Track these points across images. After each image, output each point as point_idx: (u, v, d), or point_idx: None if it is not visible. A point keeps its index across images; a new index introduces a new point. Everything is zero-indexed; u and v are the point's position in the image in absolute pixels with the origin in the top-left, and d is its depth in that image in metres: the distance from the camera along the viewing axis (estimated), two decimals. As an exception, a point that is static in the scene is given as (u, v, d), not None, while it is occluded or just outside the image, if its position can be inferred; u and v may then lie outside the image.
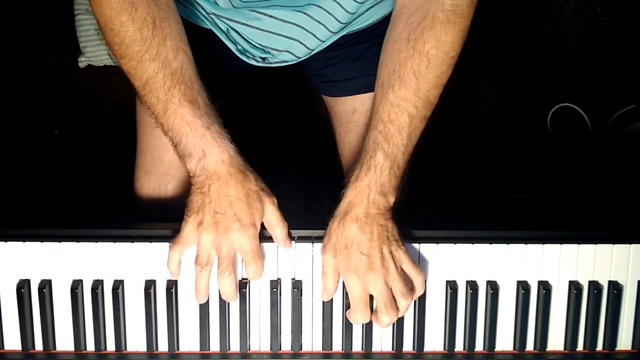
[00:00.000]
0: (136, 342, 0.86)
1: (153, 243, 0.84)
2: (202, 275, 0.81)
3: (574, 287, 0.86)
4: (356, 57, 1.02)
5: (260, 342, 0.86)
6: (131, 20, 0.78)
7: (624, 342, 0.88)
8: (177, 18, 0.83)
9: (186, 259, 0.83)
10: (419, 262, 0.85)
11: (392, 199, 0.83)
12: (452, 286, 0.85)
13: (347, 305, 0.84)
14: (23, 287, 0.84)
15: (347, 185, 0.83)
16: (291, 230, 0.85)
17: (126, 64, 0.81)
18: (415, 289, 0.83)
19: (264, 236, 0.84)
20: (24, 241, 0.84)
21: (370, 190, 0.81)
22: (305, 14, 0.90)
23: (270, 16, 0.90)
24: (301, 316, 0.85)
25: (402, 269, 0.82)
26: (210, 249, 0.80)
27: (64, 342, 0.86)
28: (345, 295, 0.84)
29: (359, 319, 0.83)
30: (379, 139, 0.82)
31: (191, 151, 0.80)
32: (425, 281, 0.85)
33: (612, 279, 0.86)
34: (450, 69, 0.83)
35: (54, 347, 0.86)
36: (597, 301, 0.86)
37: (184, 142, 0.81)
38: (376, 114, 0.84)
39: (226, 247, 0.80)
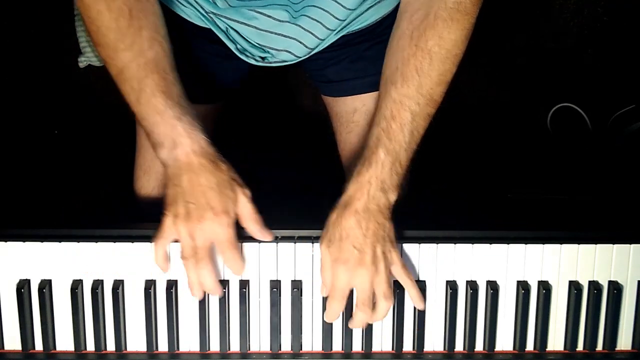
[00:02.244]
0: (136, 342, 0.86)
1: (153, 243, 0.84)
2: (190, 269, 0.81)
3: (574, 287, 0.86)
4: (356, 57, 1.02)
5: (260, 342, 0.86)
6: (108, 9, 0.79)
7: (624, 342, 0.88)
8: (156, 10, 0.83)
9: (177, 257, 0.83)
10: (419, 262, 0.85)
11: (392, 197, 0.83)
12: (452, 286, 0.85)
13: (347, 306, 0.84)
14: (23, 287, 0.84)
15: (349, 180, 0.83)
16: (291, 230, 0.85)
17: (102, 51, 0.82)
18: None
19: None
20: (24, 241, 0.84)
21: (370, 185, 0.81)
22: (303, 15, 0.90)
23: (268, 16, 0.90)
24: (301, 316, 0.85)
25: (391, 272, 0.83)
26: (188, 242, 0.80)
27: (64, 342, 0.86)
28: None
29: (334, 307, 0.82)
30: (381, 135, 0.83)
31: (162, 141, 0.81)
32: (424, 281, 0.86)
33: (612, 279, 0.86)
34: (454, 67, 0.83)
35: (54, 347, 0.86)
36: (597, 301, 0.86)
37: (155, 131, 0.81)
38: (379, 110, 0.84)
39: (201, 237, 0.80)
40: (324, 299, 0.84)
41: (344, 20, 0.93)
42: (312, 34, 0.93)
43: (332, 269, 0.82)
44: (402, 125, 0.82)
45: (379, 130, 0.83)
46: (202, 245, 0.80)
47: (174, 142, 0.80)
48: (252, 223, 0.83)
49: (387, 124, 0.83)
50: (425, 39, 0.82)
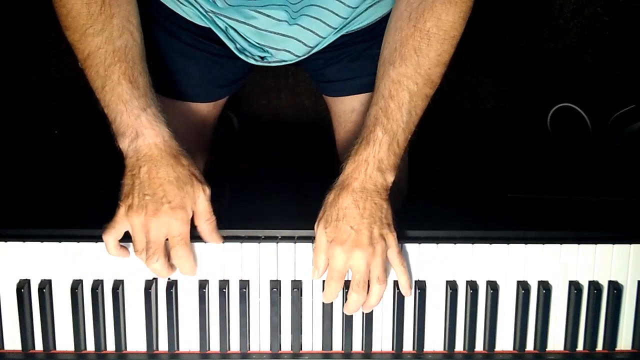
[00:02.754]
0: (136, 342, 0.86)
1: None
2: (145, 261, 0.80)
3: (574, 287, 0.86)
4: (355, 57, 1.02)
5: (260, 342, 0.86)
6: None
7: (624, 342, 0.88)
8: (131, 0, 0.84)
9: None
10: (419, 262, 0.85)
11: (390, 178, 0.83)
12: (452, 286, 0.85)
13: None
14: (23, 287, 0.84)
15: (346, 159, 0.83)
16: (291, 230, 0.85)
17: (70, 35, 0.82)
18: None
19: (266, 237, 0.84)
20: (24, 241, 0.84)
21: (368, 164, 0.81)
22: (303, 14, 0.90)
23: (267, 15, 0.90)
24: (301, 316, 0.85)
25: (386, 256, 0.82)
26: (141, 235, 0.80)
27: (64, 342, 0.86)
28: (345, 294, 0.84)
29: (333, 288, 0.82)
30: (379, 115, 0.83)
31: (124, 130, 0.81)
32: (424, 281, 0.86)
33: (612, 279, 0.86)
34: (452, 49, 0.83)
35: (54, 347, 0.86)
36: (597, 301, 0.86)
37: (118, 120, 0.81)
38: (377, 90, 0.85)
39: (155, 230, 0.79)
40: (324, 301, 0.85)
41: (347, 19, 0.93)
42: (312, 32, 0.93)
43: (329, 249, 0.81)
44: (401, 105, 0.82)
45: (376, 109, 0.83)
46: (155, 239, 0.79)
47: (136, 133, 0.80)
48: (205, 222, 0.82)
49: (385, 103, 0.82)
50: (423, 21, 0.81)
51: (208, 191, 0.82)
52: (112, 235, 0.81)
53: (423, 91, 0.83)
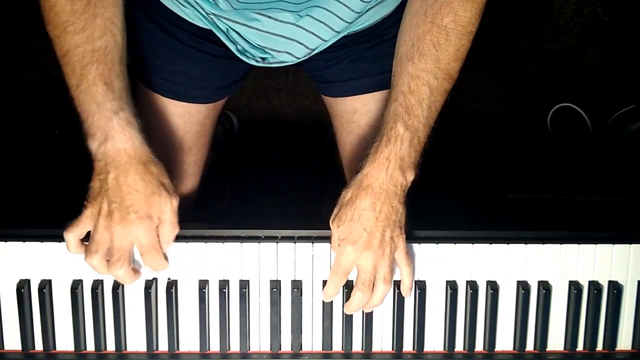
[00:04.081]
0: (136, 342, 0.86)
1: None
2: (100, 267, 0.80)
3: (574, 287, 0.86)
4: (357, 58, 1.02)
5: (260, 342, 0.86)
6: None
7: (624, 342, 0.88)
8: (117, 2, 0.83)
9: (178, 256, 0.83)
10: (419, 262, 0.85)
11: (410, 177, 0.82)
12: (452, 286, 0.85)
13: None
14: (23, 287, 0.84)
15: (366, 157, 0.83)
16: (291, 230, 0.85)
17: (51, 31, 0.81)
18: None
19: (266, 237, 0.84)
20: (24, 241, 0.84)
21: (389, 163, 0.81)
22: (307, 15, 0.90)
23: (270, 17, 0.89)
24: (301, 316, 0.85)
25: (394, 257, 0.83)
26: (103, 238, 0.79)
27: (64, 342, 0.86)
28: (346, 294, 0.84)
29: (335, 282, 0.83)
30: (399, 111, 0.82)
31: (94, 132, 0.80)
32: (424, 281, 0.86)
33: (612, 279, 0.86)
34: (469, 44, 0.83)
35: (54, 347, 0.86)
36: (597, 301, 0.86)
37: (89, 121, 0.80)
38: (395, 87, 0.84)
39: (119, 238, 0.79)
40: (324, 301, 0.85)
41: (351, 23, 0.93)
42: (314, 34, 0.92)
43: (339, 247, 0.82)
44: (421, 100, 0.82)
45: (396, 105, 0.82)
46: (119, 247, 0.79)
47: (105, 136, 0.79)
48: (167, 232, 0.82)
49: (405, 99, 0.82)
50: (440, 17, 0.81)
51: (176, 203, 0.82)
52: (75, 233, 0.80)
53: (442, 86, 0.83)
